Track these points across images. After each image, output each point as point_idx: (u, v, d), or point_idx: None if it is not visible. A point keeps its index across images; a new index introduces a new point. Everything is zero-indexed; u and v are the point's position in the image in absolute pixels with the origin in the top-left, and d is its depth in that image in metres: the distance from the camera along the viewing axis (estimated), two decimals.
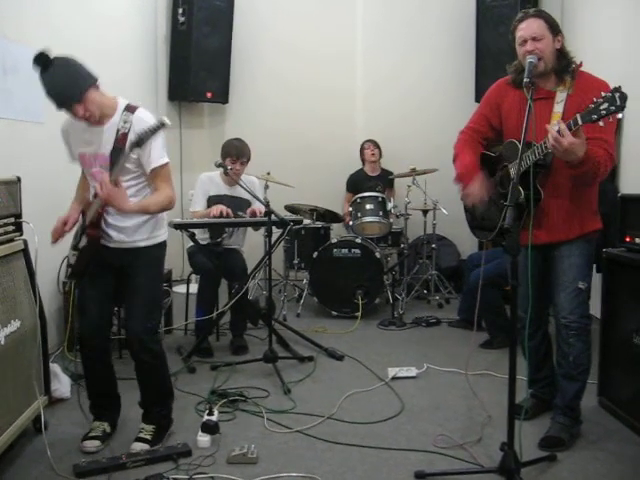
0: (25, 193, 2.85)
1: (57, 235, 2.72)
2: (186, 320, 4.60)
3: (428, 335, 4.67)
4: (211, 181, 4.40)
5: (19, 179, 2.80)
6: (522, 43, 2.67)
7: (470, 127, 2.99)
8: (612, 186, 4.49)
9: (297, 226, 4.56)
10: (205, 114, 6.74)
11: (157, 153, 2.61)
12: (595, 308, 3.18)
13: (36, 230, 2.69)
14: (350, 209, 5.42)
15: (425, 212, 5.60)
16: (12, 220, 2.72)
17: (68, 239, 2.82)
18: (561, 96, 2.67)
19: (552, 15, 2.74)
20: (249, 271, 4.32)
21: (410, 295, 5.62)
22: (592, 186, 2.74)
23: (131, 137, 2.53)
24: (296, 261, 5.38)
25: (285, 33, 6.53)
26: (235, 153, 4.25)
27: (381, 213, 5.25)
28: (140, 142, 2.46)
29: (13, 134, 3.65)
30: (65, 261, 3.98)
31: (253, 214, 4.23)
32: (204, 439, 2.79)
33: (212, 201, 4.33)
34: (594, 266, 2.87)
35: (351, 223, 5.36)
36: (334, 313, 5.08)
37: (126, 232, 2.70)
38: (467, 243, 6.10)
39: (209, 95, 6.28)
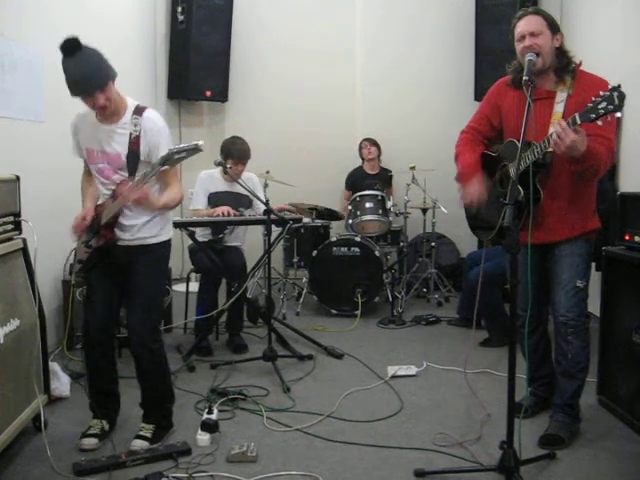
0: (24, 192, 2.85)
1: (79, 230, 2.74)
2: (185, 319, 4.60)
3: (427, 333, 4.67)
4: (211, 178, 4.40)
5: (18, 178, 2.80)
6: (520, 39, 2.67)
7: (471, 127, 2.99)
8: (611, 185, 4.49)
9: (296, 224, 4.56)
10: (204, 113, 6.74)
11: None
12: (594, 306, 3.18)
13: (35, 229, 2.69)
14: (349, 207, 5.42)
15: (424, 210, 5.60)
16: (11, 219, 2.73)
17: (68, 239, 2.82)
18: (561, 96, 2.67)
19: (551, 15, 2.74)
20: (249, 269, 4.33)
21: (409, 293, 5.62)
22: (592, 183, 2.74)
23: (162, 151, 2.52)
24: (295, 259, 5.38)
25: (284, 32, 6.52)
26: (238, 156, 4.25)
27: (381, 211, 5.25)
28: (172, 161, 2.44)
29: (12, 133, 3.64)
30: (68, 258, 4.02)
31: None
32: (204, 438, 2.79)
33: (212, 198, 4.34)
34: (593, 264, 2.87)
35: (350, 221, 5.36)
36: (333, 311, 5.08)
37: (135, 229, 2.73)
38: (466, 241, 6.09)
39: (208, 94, 6.28)
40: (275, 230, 3.86)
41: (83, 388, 2.97)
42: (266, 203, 3.73)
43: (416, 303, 5.55)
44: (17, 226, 2.78)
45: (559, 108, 2.65)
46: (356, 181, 6.10)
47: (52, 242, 3.35)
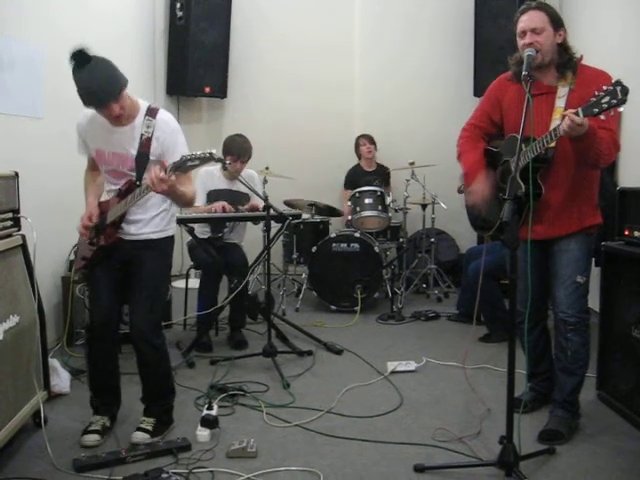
0: (23, 188, 2.84)
1: (87, 231, 2.74)
2: (185, 315, 4.60)
3: (427, 329, 4.67)
4: (211, 176, 4.39)
5: (17, 174, 2.79)
6: (521, 35, 2.66)
7: (472, 123, 2.99)
8: (611, 179, 4.49)
9: (296, 220, 4.56)
10: (203, 109, 6.73)
11: (183, 150, 2.63)
12: (594, 301, 3.18)
13: (34, 225, 2.69)
14: (349, 204, 5.41)
15: (424, 206, 5.60)
16: (10, 215, 2.72)
17: (67, 236, 2.82)
18: (563, 91, 2.65)
19: (554, 9, 2.71)
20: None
21: (409, 289, 5.63)
22: (593, 177, 2.73)
23: (179, 152, 2.53)
24: (295, 255, 5.38)
25: (283, 28, 6.51)
26: (237, 152, 4.23)
27: (380, 207, 5.25)
28: (184, 168, 2.44)
29: (11, 129, 3.63)
30: (69, 254, 4.02)
31: (252, 209, 4.22)
32: (203, 433, 2.79)
33: (212, 195, 4.33)
34: (593, 260, 2.87)
35: (350, 217, 5.35)
36: (333, 307, 5.09)
37: (141, 224, 2.74)
38: (466, 237, 6.09)
39: (207, 90, 6.27)
40: (274, 226, 3.86)
41: (83, 384, 2.96)
42: (265, 199, 3.72)
43: (416, 299, 5.56)
44: (16, 222, 2.77)
45: (561, 103, 2.63)
46: (355, 179, 6.08)
47: (51, 238, 3.35)
